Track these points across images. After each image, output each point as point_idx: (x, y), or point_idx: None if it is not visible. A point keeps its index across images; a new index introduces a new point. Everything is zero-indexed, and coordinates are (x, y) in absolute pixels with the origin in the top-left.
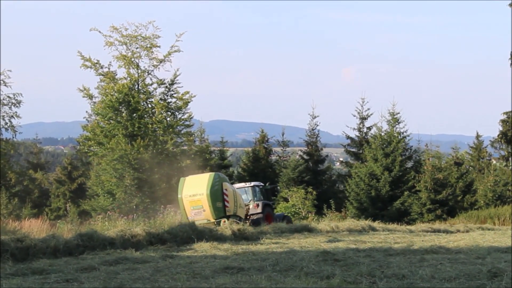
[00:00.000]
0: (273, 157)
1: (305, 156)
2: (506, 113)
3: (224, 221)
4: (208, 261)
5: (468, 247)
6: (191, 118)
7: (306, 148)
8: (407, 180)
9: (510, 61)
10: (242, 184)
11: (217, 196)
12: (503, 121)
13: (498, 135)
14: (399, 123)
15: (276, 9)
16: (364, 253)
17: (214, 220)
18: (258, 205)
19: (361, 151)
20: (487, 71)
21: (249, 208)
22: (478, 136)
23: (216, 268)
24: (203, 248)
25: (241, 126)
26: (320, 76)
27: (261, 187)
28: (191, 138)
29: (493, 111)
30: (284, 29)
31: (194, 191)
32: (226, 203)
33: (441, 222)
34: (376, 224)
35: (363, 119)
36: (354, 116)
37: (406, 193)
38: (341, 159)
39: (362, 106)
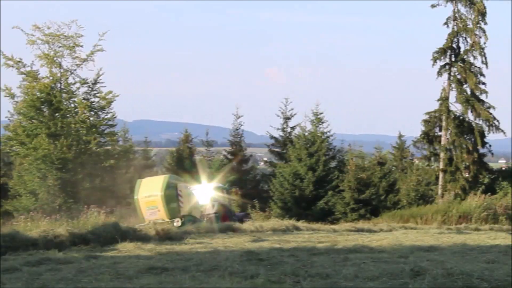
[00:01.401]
0: (197, 157)
1: (229, 156)
2: (428, 113)
3: (178, 221)
4: (132, 262)
5: (391, 246)
6: (115, 117)
7: (230, 148)
8: (331, 179)
9: (432, 63)
10: (199, 185)
11: (171, 197)
12: (425, 121)
13: (420, 135)
14: (322, 123)
15: (202, 9)
16: (288, 252)
17: (168, 220)
18: (213, 206)
19: (285, 151)
20: (410, 72)
21: (205, 209)
22: (400, 136)
23: (140, 268)
24: (127, 248)
25: (165, 126)
26: (244, 77)
27: (219, 188)
28: (115, 138)
29: (416, 111)
30: (209, 29)
31: (150, 192)
32: (180, 204)
33: (365, 221)
34: (300, 224)
35: (287, 119)
36: (278, 116)
37: (330, 192)
38: (265, 159)
39: (285, 106)
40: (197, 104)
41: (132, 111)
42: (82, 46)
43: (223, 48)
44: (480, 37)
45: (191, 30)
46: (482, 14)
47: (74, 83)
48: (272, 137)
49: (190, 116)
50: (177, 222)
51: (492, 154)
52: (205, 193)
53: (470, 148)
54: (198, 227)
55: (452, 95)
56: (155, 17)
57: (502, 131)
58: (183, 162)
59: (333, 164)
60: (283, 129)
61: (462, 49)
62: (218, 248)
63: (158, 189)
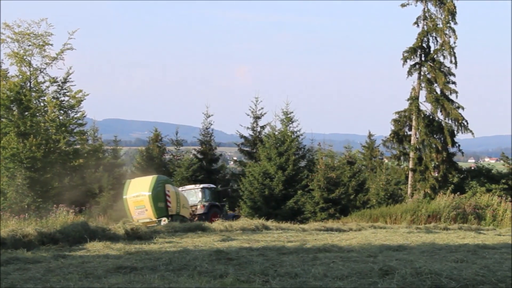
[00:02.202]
0: (167, 156)
1: (199, 155)
2: (398, 112)
3: (165, 220)
4: (100, 261)
5: (360, 245)
6: (84, 116)
7: (200, 147)
8: (301, 179)
9: (402, 62)
10: (192, 186)
11: (159, 197)
12: (395, 120)
13: (390, 135)
14: (292, 122)
15: (172, 7)
16: (257, 252)
17: (156, 219)
18: (204, 206)
19: (254, 150)
20: (380, 71)
21: (197, 209)
22: (370, 135)
23: (109, 267)
24: (95, 247)
25: (135, 125)
26: (214, 76)
27: (211, 189)
28: (84, 137)
29: (385, 111)
30: (178, 28)
31: (138, 192)
32: (168, 204)
33: (334, 220)
34: (269, 223)
35: (256, 118)
36: (248, 115)
37: (299, 192)
38: (235, 158)
39: (255, 105)
40: (167, 103)
41: (101, 110)
42: (52, 44)
43: (192, 46)
44: (450, 37)
45: (160, 29)
46: (452, 13)
47: (44, 82)
48: (242, 136)
49: (160, 115)
50: (164, 221)
51: (462, 153)
52: (198, 193)
53: (440, 148)
54: (167, 226)
55: (422, 95)
56: (125, 15)
57: (471, 131)
58: (152, 161)
59: (302, 163)
60: (253, 128)
61: (432, 49)
62: (187, 247)
63: (146, 189)
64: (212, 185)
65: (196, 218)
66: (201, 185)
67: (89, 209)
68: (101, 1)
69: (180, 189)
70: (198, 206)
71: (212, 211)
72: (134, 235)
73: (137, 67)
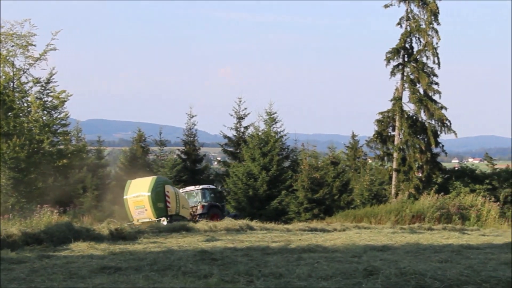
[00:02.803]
0: (151, 157)
1: (182, 156)
2: (381, 113)
3: (164, 220)
4: (85, 261)
5: (345, 245)
6: (68, 117)
7: (183, 148)
8: (285, 179)
9: (385, 63)
10: (192, 187)
11: (158, 197)
12: (378, 121)
13: (373, 135)
14: (276, 122)
15: (154, 7)
16: (242, 252)
17: (155, 219)
18: (203, 206)
19: (238, 151)
20: (363, 72)
21: (197, 209)
22: (354, 136)
23: (93, 268)
24: (80, 248)
25: (118, 125)
26: (198, 76)
27: (211, 189)
28: (68, 137)
29: (369, 111)
30: (162, 29)
31: (138, 192)
32: (167, 204)
33: (318, 221)
34: (253, 223)
35: (240, 118)
36: (232, 115)
37: (283, 192)
38: (218, 158)
39: (239, 105)
40: (151, 103)
41: (85, 110)
42: (35, 45)
43: (175, 46)
44: (433, 37)
45: (142, 30)
46: (435, 14)
47: (27, 82)
48: (225, 136)
49: (144, 115)
50: (163, 221)
51: (446, 153)
52: (198, 194)
53: (423, 148)
54: (151, 227)
55: (405, 95)
56: (108, 16)
57: (454, 131)
58: (136, 162)
59: (286, 163)
60: (236, 129)
61: (415, 49)
62: (171, 247)
63: (146, 190)
64: (212, 186)
65: (196, 219)
66: (201, 186)
67: (73, 209)
68: (85, 1)
69: (180, 190)
70: (198, 207)
71: (212, 212)
72: (118, 236)
73: (122, 67)
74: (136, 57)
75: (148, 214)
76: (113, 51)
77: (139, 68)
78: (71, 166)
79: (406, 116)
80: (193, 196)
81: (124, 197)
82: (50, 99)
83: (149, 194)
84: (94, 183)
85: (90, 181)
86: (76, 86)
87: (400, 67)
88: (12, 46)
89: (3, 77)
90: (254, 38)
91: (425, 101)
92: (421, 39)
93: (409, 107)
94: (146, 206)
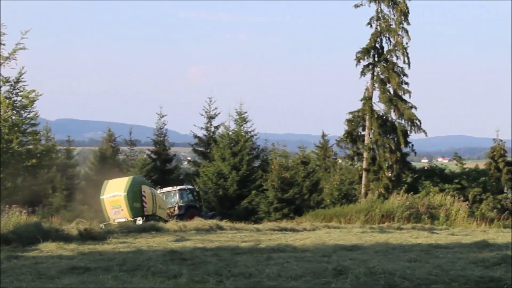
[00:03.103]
0: (121, 156)
1: (152, 155)
2: (351, 113)
3: (140, 219)
4: (54, 262)
5: (314, 245)
6: (37, 116)
7: (153, 147)
8: (255, 179)
9: (356, 63)
10: (169, 188)
11: (135, 197)
12: (348, 120)
13: (343, 135)
14: (246, 122)
15: (124, 7)
16: (211, 252)
17: (131, 219)
18: (180, 207)
19: (208, 150)
20: (333, 72)
21: (175, 210)
22: (324, 136)
23: (62, 268)
24: (49, 248)
25: (88, 125)
26: (168, 76)
27: (189, 190)
28: (37, 137)
29: (339, 111)
30: (131, 28)
31: (114, 192)
32: (144, 204)
33: (288, 220)
34: (223, 223)
35: (210, 118)
36: (202, 115)
37: (253, 192)
38: (189, 158)
39: (209, 105)
40: (120, 103)
41: (55, 109)
42: (4, 44)
43: (146, 46)
44: (403, 37)
45: (113, 29)
46: (405, 14)
47: None
48: (195, 136)
49: (113, 115)
50: (139, 221)
51: (415, 153)
52: (176, 195)
53: (393, 148)
54: (121, 227)
55: (376, 95)
56: (77, 15)
57: (424, 131)
58: (106, 162)
59: (256, 163)
60: (206, 129)
61: (385, 49)
62: (141, 247)
63: (122, 189)
64: (190, 186)
65: (173, 219)
66: (179, 187)
67: (42, 209)
68: (54, 1)
69: (158, 191)
70: (176, 208)
71: (189, 212)
72: (87, 236)
73: (91, 67)
74: (106, 57)
75: (124, 214)
76: (83, 50)
77: (109, 67)
78: (40, 166)
79: (376, 115)
80: (171, 196)
81: (101, 197)
82: (19, 98)
83: (125, 194)
84: (64, 183)
85: (60, 181)
86: (46, 86)
87: (370, 67)
88: None
89: None
90: (222, 38)
91: (395, 100)
92: (391, 39)
93: (379, 107)
94: (122, 206)
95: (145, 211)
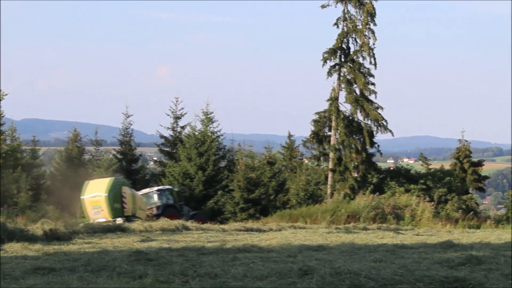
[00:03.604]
0: (86, 156)
1: (118, 155)
2: (318, 113)
3: (120, 220)
4: (18, 262)
5: (280, 245)
6: (2, 116)
7: (119, 147)
8: (221, 179)
9: (322, 63)
10: (148, 189)
11: (115, 198)
12: (315, 121)
13: (310, 135)
14: (212, 122)
15: (94, 6)
16: (177, 252)
17: (111, 219)
18: (158, 208)
19: (175, 151)
20: (300, 72)
21: (153, 210)
22: (290, 136)
23: (27, 269)
24: (13, 248)
25: (54, 124)
26: (134, 75)
27: (167, 190)
28: (2, 137)
29: (305, 111)
30: (99, 27)
31: (95, 193)
32: (124, 205)
33: (254, 221)
34: (189, 223)
35: (177, 118)
36: (168, 115)
37: (219, 192)
38: (155, 158)
39: (176, 105)
40: (87, 103)
41: (20, 109)
42: None
43: (112, 46)
44: (369, 38)
45: (78, 26)
46: (371, 15)
47: None
48: (162, 136)
49: (79, 115)
50: (119, 222)
51: (381, 154)
52: (154, 195)
53: (359, 148)
54: (86, 227)
55: (342, 95)
56: (41, 11)
57: (390, 131)
58: (72, 162)
59: (223, 163)
60: (173, 129)
61: (352, 50)
62: (106, 248)
63: (103, 190)
64: (168, 187)
65: (152, 219)
66: (156, 188)
67: (7, 209)
68: (20, 0)
69: (139, 192)
70: (154, 208)
71: (167, 212)
72: (52, 236)
73: (57, 67)
74: (72, 55)
75: (104, 215)
76: (49, 48)
77: (75, 66)
78: (5, 166)
79: (342, 116)
80: (149, 197)
81: (81, 197)
82: None
83: (106, 194)
84: (29, 183)
85: (25, 181)
86: (11, 84)
87: (337, 67)
88: None
89: None
90: (189, 37)
91: (361, 101)
92: (358, 40)
93: (346, 107)
94: (102, 206)
95: (125, 212)
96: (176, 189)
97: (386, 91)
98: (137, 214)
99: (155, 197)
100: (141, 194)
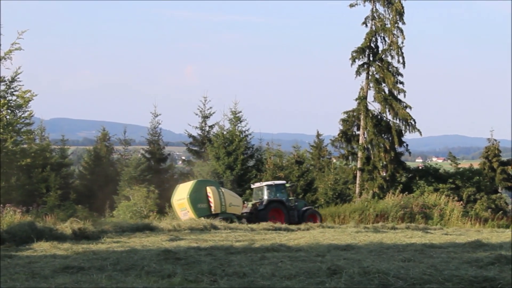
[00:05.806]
0: (115, 156)
1: (147, 155)
2: (346, 112)
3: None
4: (47, 261)
5: (308, 245)
6: (32, 116)
7: (148, 147)
8: (249, 178)
9: (351, 62)
10: (258, 184)
11: (198, 199)
12: (343, 120)
13: (338, 134)
14: (241, 121)
15: (121, 7)
16: (206, 251)
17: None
18: (261, 203)
19: (203, 150)
20: (328, 71)
21: (258, 205)
22: (318, 135)
23: (56, 267)
24: (42, 247)
25: (82, 124)
26: (162, 75)
27: (277, 185)
28: (31, 136)
29: (334, 110)
30: (126, 27)
31: (180, 196)
32: (210, 204)
33: None
34: (217, 223)
35: (205, 117)
36: (197, 114)
37: (248, 191)
38: (183, 157)
39: (204, 104)
40: (115, 102)
41: (49, 109)
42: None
43: (140, 46)
44: (398, 37)
45: (107, 27)
46: (400, 14)
47: None
48: (190, 135)
49: (108, 114)
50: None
51: (409, 153)
52: (263, 190)
53: (388, 147)
54: (115, 226)
55: (370, 94)
56: (71, 13)
57: (418, 130)
58: (100, 161)
59: (251, 163)
60: (201, 128)
61: (380, 49)
62: (135, 247)
63: (185, 193)
64: (279, 182)
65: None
66: (265, 182)
67: (36, 208)
68: (48, 1)
69: (253, 186)
70: (249, 204)
71: (270, 207)
72: (81, 235)
73: (85, 66)
74: (100, 56)
75: (190, 215)
76: (78, 49)
77: (104, 66)
78: (34, 166)
79: (371, 115)
80: (259, 192)
81: (171, 200)
82: (14, 98)
83: (188, 197)
84: (58, 182)
85: (54, 180)
86: (40, 84)
87: (365, 66)
88: None
89: None
90: (218, 37)
91: (390, 100)
92: (386, 39)
93: (374, 107)
94: (187, 208)
95: (212, 210)
96: (288, 184)
97: (415, 90)
98: (227, 211)
99: (265, 192)
100: (253, 188)
